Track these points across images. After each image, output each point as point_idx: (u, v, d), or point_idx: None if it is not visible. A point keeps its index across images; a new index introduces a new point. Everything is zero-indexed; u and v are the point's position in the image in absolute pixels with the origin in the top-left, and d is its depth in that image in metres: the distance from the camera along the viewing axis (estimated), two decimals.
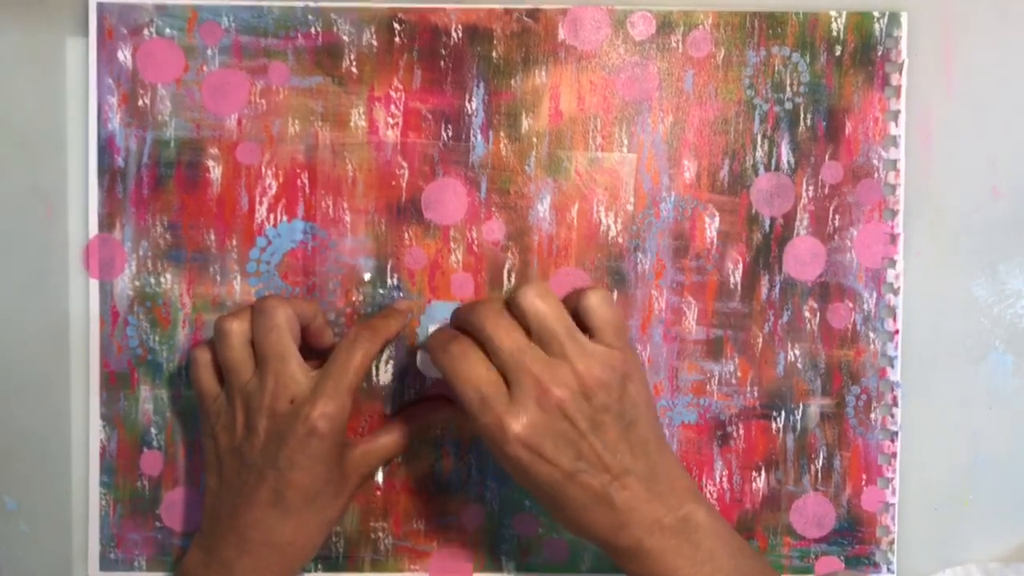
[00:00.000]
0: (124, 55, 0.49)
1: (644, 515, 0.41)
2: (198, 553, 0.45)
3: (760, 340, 0.50)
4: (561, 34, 0.49)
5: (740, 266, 0.50)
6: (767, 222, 0.50)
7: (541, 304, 0.42)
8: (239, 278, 0.50)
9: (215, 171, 0.49)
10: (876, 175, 0.50)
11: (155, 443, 0.50)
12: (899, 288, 0.50)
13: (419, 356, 0.48)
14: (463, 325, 0.44)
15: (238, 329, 0.44)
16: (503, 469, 0.43)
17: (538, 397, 0.41)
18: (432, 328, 0.46)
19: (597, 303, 0.42)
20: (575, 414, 0.41)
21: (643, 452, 0.42)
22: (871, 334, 0.50)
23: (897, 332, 0.50)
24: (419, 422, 0.49)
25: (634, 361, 0.43)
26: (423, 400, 0.50)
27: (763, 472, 0.50)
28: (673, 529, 0.42)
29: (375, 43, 0.49)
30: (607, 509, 0.41)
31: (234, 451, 0.44)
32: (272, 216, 0.50)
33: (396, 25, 0.49)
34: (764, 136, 0.49)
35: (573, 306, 0.43)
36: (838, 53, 0.49)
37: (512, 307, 0.42)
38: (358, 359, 0.44)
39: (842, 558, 0.50)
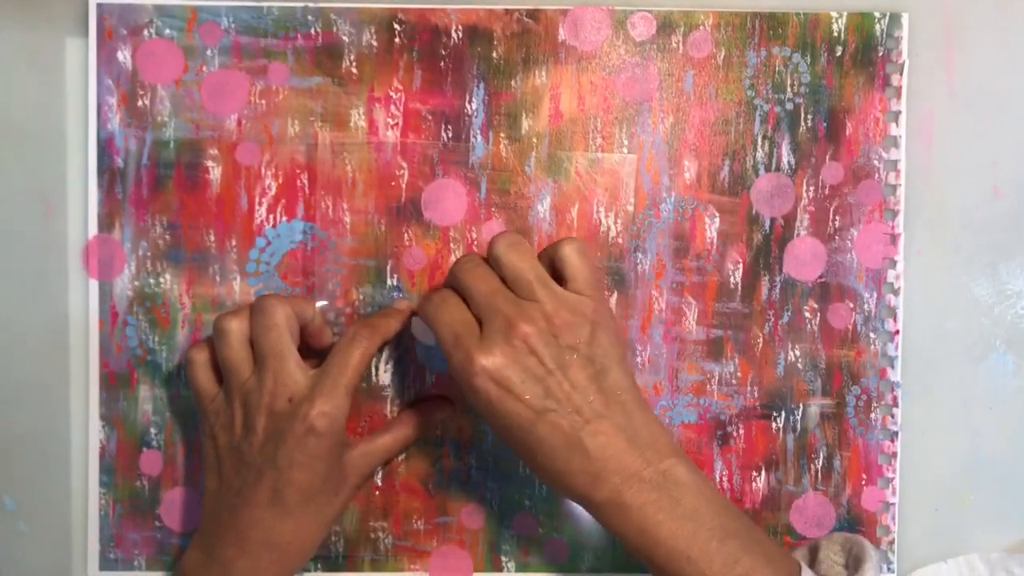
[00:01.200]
0: (124, 55, 0.49)
1: (621, 465, 0.41)
2: (197, 553, 0.45)
3: (760, 340, 0.50)
4: (561, 35, 0.49)
5: (740, 266, 0.50)
6: (767, 222, 0.50)
7: (511, 252, 0.43)
8: (239, 278, 0.50)
9: (215, 172, 0.49)
10: (877, 175, 0.49)
11: (154, 443, 0.50)
12: (899, 288, 0.50)
13: (413, 322, 0.49)
14: (448, 282, 0.45)
15: (237, 328, 0.44)
16: (477, 411, 0.42)
17: (506, 332, 0.41)
18: None
19: (569, 252, 0.43)
20: (542, 350, 0.41)
21: (617, 401, 0.42)
22: (871, 334, 0.50)
23: (897, 332, 0.50)
24: (419, 422, 0.49)
25: (605, 312, 0.43)
26: (423, 400, 0.50)
27: (763, 472, 0.50)
28: (653, 483, 0.41)
29: (375, 43, 0.49)
30: (581, 456, 0.41)
31: (233, 450, 0.44)
32: (272, 216, 0.50)
33: (396, 25, 0.49)
34: (764, 137, 0.49)
35: (549, 257, 0.44)
36: (839, 54, 0.49)
37: (488, 258, 0.44)
38: (356, 358, 0.44)
39: None
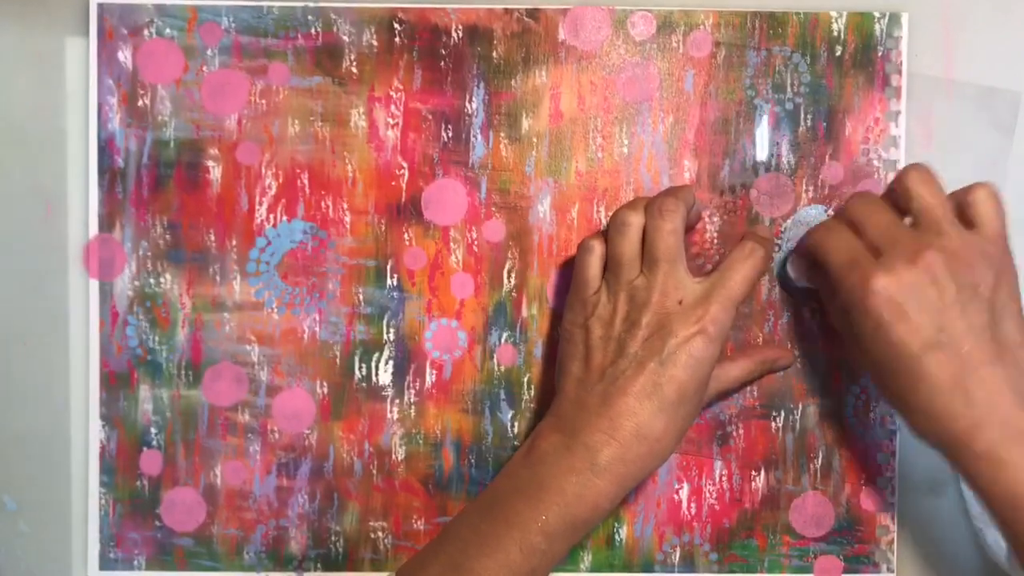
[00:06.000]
0: (124, 55, 0.49)
1: (1004, 418, 0.40)
2: (557, 436, 0.44)
3: (760, 340, 0.50)
4: (561, 34, 0.49)
5: None
6: (767, 222, 0.50)
7: (923, 185, 0.43)
8: (239, 278, 0.50)
9: (215, 171, 0.49)
10: (876, 176, 0.50)
11: (154, 443, 0.50)
12: None
13: (789, 261, 0.48)
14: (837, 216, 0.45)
15: (638, 224, 0.45)
16: (860, 339, 0.42)
17: (908, 257, 0.41)
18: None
19: (983, 197, 0.43)
20: (944, 282, 0.41)
21: (1009, 353, 0.41)
22: None
23: None
24: (764, 359, 0.49)
25: (1009, 263, 0.43)
26: (769, 344, 0.50)
27: (762, 472, 0.50)
28: None
29: (375, 43, 0.49)
30: (964, 400, 0.41)
31: (610, 340, 0.44)
32: (272, 216, 0.50)
33: (396, 25, 0.49)
34: (764, 137, 0.49)
35: (958, 200, 0.43)
36: (838, 53, 0.49)
37: (892, 189, 0.44)
38: (751, 274, 0.45)
39: (841, 557, 0.50)
